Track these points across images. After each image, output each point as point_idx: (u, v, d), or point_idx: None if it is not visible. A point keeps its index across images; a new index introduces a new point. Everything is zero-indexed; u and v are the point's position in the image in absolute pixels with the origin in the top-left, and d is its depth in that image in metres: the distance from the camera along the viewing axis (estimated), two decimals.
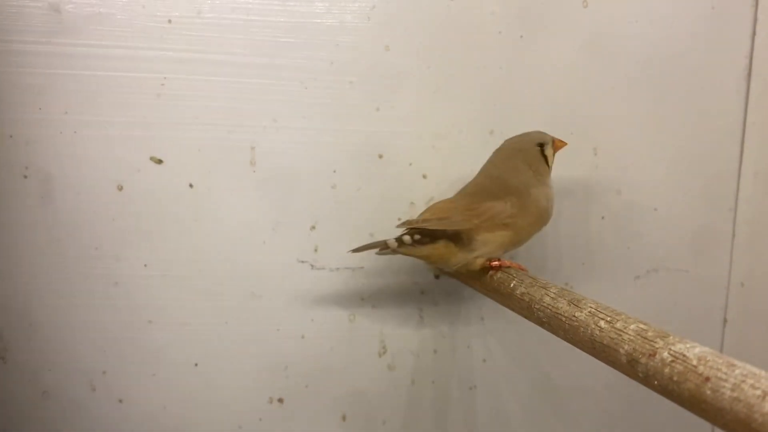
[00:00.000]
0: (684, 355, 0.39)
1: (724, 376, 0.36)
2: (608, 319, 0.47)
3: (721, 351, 0.84)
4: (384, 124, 0.73)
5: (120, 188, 0.68)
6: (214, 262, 0.71)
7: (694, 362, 0.39)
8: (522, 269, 0.62)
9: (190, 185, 0.70)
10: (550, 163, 0.67)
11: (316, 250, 0.73)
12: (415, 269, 0.76)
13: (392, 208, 0.74)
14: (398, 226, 0.64)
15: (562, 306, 0.52)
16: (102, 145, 0.67)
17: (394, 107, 0.73)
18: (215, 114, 0.69)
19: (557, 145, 0.68)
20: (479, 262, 0.63)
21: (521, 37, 0.75)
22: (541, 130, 0.69)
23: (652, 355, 0.41)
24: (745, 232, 0.83)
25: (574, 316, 0.50)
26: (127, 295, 0.69)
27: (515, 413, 0.81)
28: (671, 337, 0.42)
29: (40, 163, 0.66)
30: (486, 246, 0.62)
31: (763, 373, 0.35)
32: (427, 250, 0.62)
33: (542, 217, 0.65)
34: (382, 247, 0.62)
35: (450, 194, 0.71)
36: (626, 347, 0.44)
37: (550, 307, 0.53)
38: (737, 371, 0.36)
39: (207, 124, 0.69)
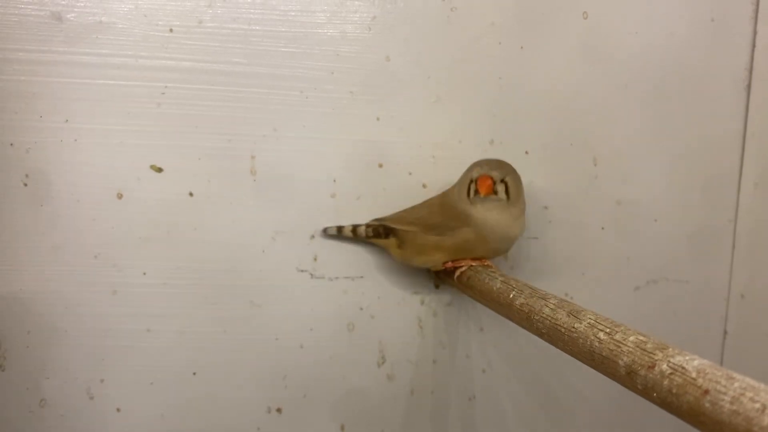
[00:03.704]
0: (683, 368, 0.39)
1: (723, 389, 0.36)
2: (607, 330, 0.47)
3: (721, 363, 0.84)
4: (384, 134, 0.73)
5: (120, 196, 0.68)
6: (214, 270, 0.71)
7: (693, 375, 0.38)
8: (482, 265, 0.69)
9: (190, 194, 0.70)
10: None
11: (315, 259, 0.73)
12: (415, 279, 0.76)
13: None
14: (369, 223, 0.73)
15: (562, 317, 0.52)
16: (102, 153, 0.67)
17: (395, 117, 0.73)
18: (215, 123, 0.69)
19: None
20: (439, 262, 0.71)
21: (521, 47, 0.75)
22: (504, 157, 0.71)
23: (651, 367, 0.41)
24: (745, 243, 0.83)
25: (574, 327, 0.50)
26: (125, 303, 0.69)
27: (514, 424, 0.80)
28: (670, 349, 0.42)
29: (41, 171, 0.66)
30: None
31: (762, 386, 0.35)
32: (380, 242, 0.73)
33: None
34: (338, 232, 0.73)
35: None
36: (625, 359, 0.44)
37: (549, 318, 0.53)
38: (736, 384, 0.36)
39: (207, 133, 0.69)
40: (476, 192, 0.66)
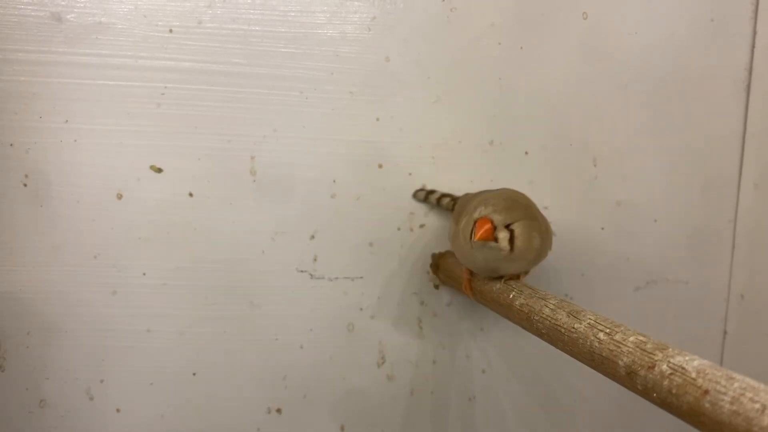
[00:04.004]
0: (683, 368, 0.39)
1: (723, 389, 0.36)
2: (607, 330, 0.47)
3: (720, 363, 0.84)
4: (384, 134, 0.73)
5: (119, 197, 0.68)
6: (213, 271, 0.71)
7: (693, 375, 0.38)
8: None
9: (190, 194, 0.70)
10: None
11: (315, 260, 0.73)
12: (415, 279, 0.76)
13: (392, 218, 0.74)
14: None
15: (562, 317, 0.52)
16: (102, 153, 0.67)
17: (394, 117, 0.73)
18: (215, 123, 0.69)
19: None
20: None
21: (521, 48, 0.75)
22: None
23: (651, 367, 0.41)
24: (744, 243, 0.83)
25: (573, 327, 0.50)
26: (125, 303, 0.69)
27: (514, 424, 0.80)
28: (670, 350, 0.42)
29: (41, 171, 0.66)
30: None
31: (762, 386, 0.35)
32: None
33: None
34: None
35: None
36: (625, 359, 0.44)
37: (549, 318, 0.53)
38: (736, 384, 0.36)
39: (207, 134, 0.69)
40: (473, 232, 0.57)
